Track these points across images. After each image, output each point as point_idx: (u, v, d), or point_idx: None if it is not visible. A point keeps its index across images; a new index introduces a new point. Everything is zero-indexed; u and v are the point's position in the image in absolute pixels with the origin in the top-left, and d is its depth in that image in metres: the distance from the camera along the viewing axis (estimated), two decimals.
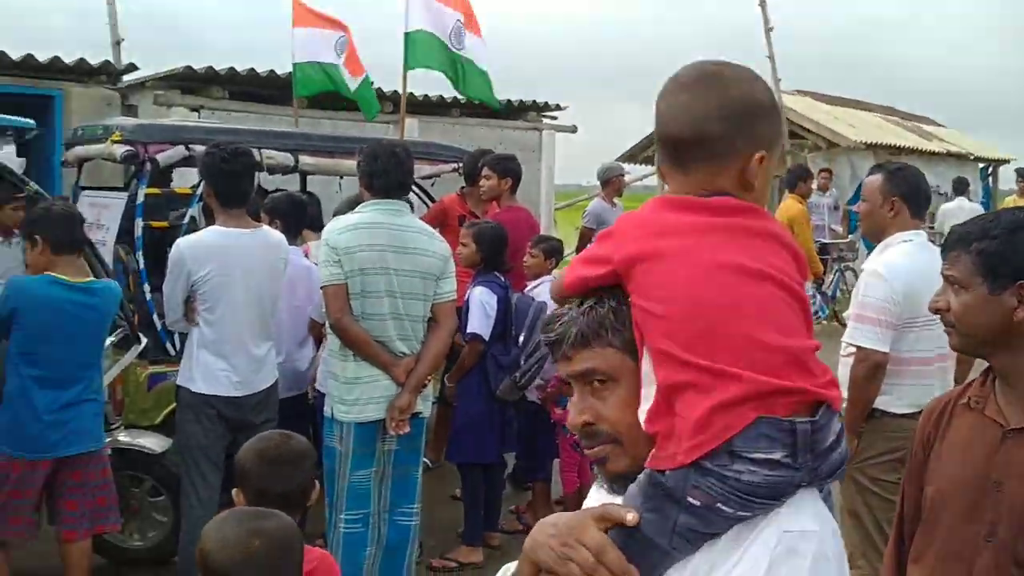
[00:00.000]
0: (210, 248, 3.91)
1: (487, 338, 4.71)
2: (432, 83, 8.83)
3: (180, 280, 3.90)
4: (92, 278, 3.78)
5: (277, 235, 4.24)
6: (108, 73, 8.17)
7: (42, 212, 3.65)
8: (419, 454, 4.05)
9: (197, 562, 1.87)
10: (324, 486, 3.98)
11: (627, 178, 9.64)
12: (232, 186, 4.00)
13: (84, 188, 6.02)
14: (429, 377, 3.97)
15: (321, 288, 3.86)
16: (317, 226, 5.67)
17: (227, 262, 3.90)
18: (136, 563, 4.63)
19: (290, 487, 2.37)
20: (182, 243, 3.97)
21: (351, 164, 5.98)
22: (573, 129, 11.83)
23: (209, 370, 3.94)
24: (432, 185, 6.98)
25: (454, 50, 6.46)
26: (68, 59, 7.83)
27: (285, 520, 1.94)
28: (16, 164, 4.27)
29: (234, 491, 2.37)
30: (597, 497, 1.37)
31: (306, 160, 5.94)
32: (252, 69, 8.44)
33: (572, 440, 5.05)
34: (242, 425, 3.99)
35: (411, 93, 6.65)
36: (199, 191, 5.39)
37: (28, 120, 4.26)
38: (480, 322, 4.69)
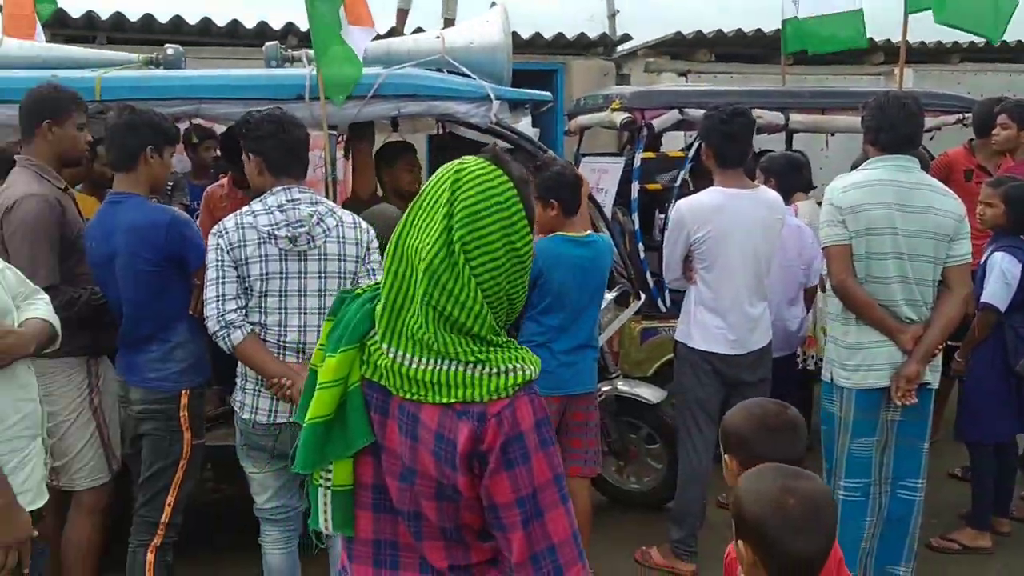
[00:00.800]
0: (709, 208, 3.99)
1: (1003, 309, 4.25)
2: (928, 29, 8.12)
3: (680, 240, 4.04)
4: (590, 232, 4.01)
5: (773, 194, 4.20)
6: (604, 45, 8.70)
7: (555, 177, 3.86)
8: (926, 426, 3.78)
9: (732, 508, 1.94)
10: (821, 450, 3.93)
11: None
12: (730, 146, 4.03)
13: (584, 155, 6.51)
14: (939, 346, 3.68)
15: (823, 249, 3.75)
16: (804, 185, 5.53)
17: (725, 222, 3.96)
18: (631, 504, 4.96)
19: (789, 457, 2.34)
20: (682, 204, 4.10)
21: (844, 120, 5.74)
22: None
23: (706, 327, 4.05)
24: (931, 139, 6.43)
25: None
26: (570, 35, 8.47)
27: (819, 484, 1.93)
28: (532, 134, 4.69)
29: (726, 457, 2.38)
30: None
31: (796, 118, 5.80)
32: (739, 30, 8.44)
33: None
34: (737, 382, 4.06)
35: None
36: (691, 154, 5.57)
37: (545, 93, 4.69)
38: (997, 292, 4.23)
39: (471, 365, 1.60)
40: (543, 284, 3.87)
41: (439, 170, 1.67)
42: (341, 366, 1.67)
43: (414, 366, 1.62)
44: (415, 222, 1.64)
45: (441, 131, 5.57)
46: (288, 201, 3.20)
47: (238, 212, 3.24)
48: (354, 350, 1.68)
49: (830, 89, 6.54)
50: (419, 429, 1.63)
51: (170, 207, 3.59)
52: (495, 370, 1.60)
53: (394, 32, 7.77)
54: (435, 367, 1.60)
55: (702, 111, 5.16)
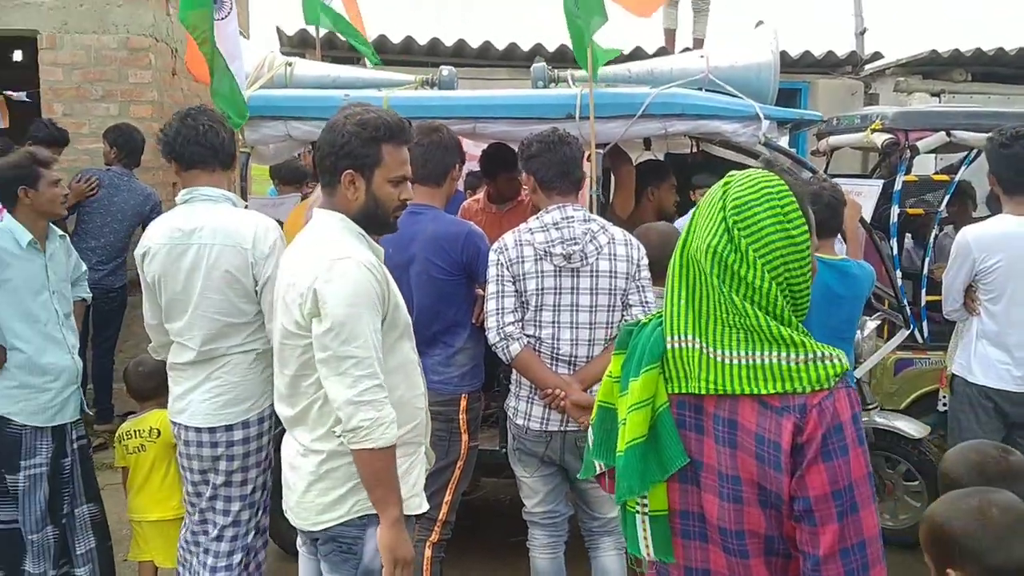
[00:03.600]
0: (997, 237, 3.79)
1: None
2: None
3: (963, 269, 3.86)
4: (843, 257, 3.84)
5: None
6: (853, 64, 8.40)
7: (812, 196, 3.66)
8: None
9: (928, 537, 1.90)
10: None
11: None
12: (1014, 172, 3.82)
13: (833, 176, 6.30)
14: None
15: None
16: None
17: (1015, 252, 3.74)
18: (883, 542, 4.74)
19: None
20: (968, 232, 3.91)
21: None
22: None
23: (988, 361, 3.84)
24: None
25: None
26: (817, 53, 8.25)
27: (1013, 496, 1.89)
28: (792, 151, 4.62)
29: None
30: None
31: None
32: (1000, 48, 7.92)
33: None
34: (1020, 421, 3.82)
35: None
36: (956, 177, 5.28)
37: (816, 113, 4.62)
38: None
39: (788, 354, 1.62)
40: None
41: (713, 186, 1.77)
42: (647, 386, 1.71)
43: (727, 360, 1.65)
44: (696, 229, 1.72)
45: (695, 149, 5.56)
46: (563, 219, 3.31)
47: (517, 229, 3.38)
48: (656, 368, 1.72)
49: None
50: (738, 434, 1.65)
51: (467, 221, 3.77)
52: (811, 356, 1.62)
53: (663, 52, 7.82)
54: (750, 360, 1.63)
55: (971, 133, 4.92)
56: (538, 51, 7.76)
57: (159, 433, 3.96)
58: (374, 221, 2.58)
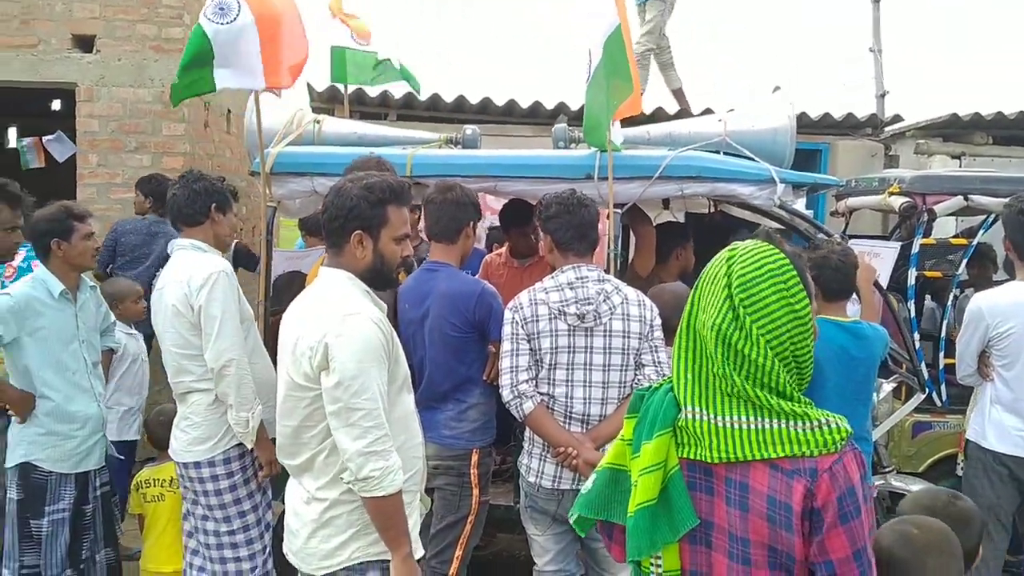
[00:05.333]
0: (1010, 304, 3.82)
1: None
2: None
3: (976, 335, 3.88)
4: (856, 319, 3.83)
5: None
6: (873, 126, 8.46)
7: (816, 260, 3.65)
8: None
9: None
10: None
11: None
12: None
13: (852, 236, 6.33)
14: None
15: None
16: None
17: None
18: None
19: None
20: (980, 299, 3.94)
21: None
22: None
23: (1002, 428, 3.84)
24: None
25: None
26: (837, 115, 8.32)
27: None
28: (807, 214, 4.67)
29: None
30: None
31: None
32: (1021, 112, 7.93)
33: None
34: None
35: None
36: (975, 242, 5.30)
37: (832, 178, 4.68)
38: None
39: (793, 421, 1.69)
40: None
41: (716, 256, 1.83)
42: (659, 450, 1.77)
43: (735, 426, 1.71)
44: (701, 301, 1.79)
45: (712, 210, 5.63)
46: (577, 279, 3.37)
47: (532, 288, 3.44)
48: (668, 434, 1.78)
49: None
50: (749, 497, 1.70)
51: (480, 280, 3.85)
52: (816, 423, 1.68)
53: (683, 112, 7.95)
54: (757, 425, 1.69)
55: (989, 198, 4.95)
56: (562, 109, 7.89)
57: None
58: (379, 278, 2.69)
